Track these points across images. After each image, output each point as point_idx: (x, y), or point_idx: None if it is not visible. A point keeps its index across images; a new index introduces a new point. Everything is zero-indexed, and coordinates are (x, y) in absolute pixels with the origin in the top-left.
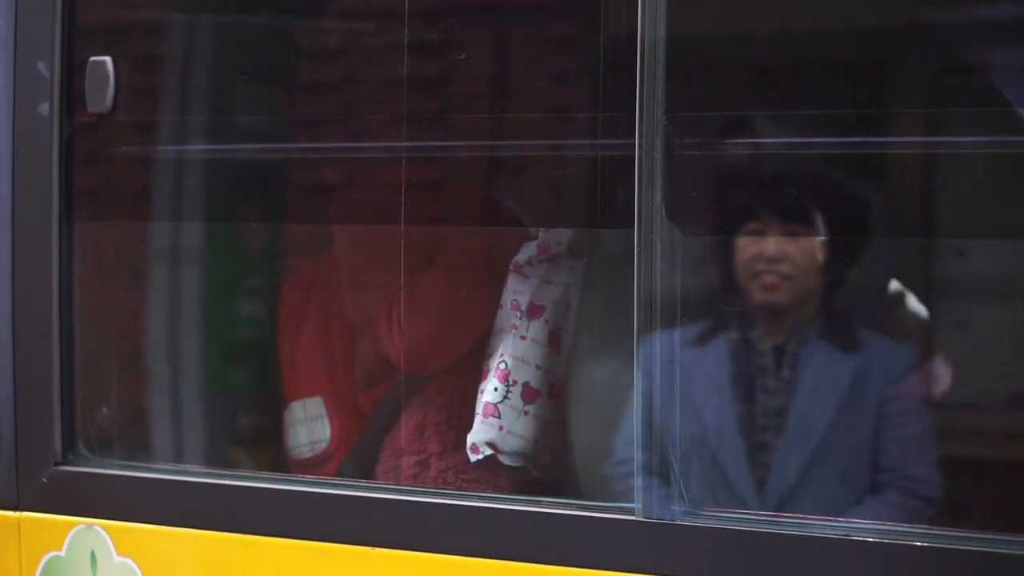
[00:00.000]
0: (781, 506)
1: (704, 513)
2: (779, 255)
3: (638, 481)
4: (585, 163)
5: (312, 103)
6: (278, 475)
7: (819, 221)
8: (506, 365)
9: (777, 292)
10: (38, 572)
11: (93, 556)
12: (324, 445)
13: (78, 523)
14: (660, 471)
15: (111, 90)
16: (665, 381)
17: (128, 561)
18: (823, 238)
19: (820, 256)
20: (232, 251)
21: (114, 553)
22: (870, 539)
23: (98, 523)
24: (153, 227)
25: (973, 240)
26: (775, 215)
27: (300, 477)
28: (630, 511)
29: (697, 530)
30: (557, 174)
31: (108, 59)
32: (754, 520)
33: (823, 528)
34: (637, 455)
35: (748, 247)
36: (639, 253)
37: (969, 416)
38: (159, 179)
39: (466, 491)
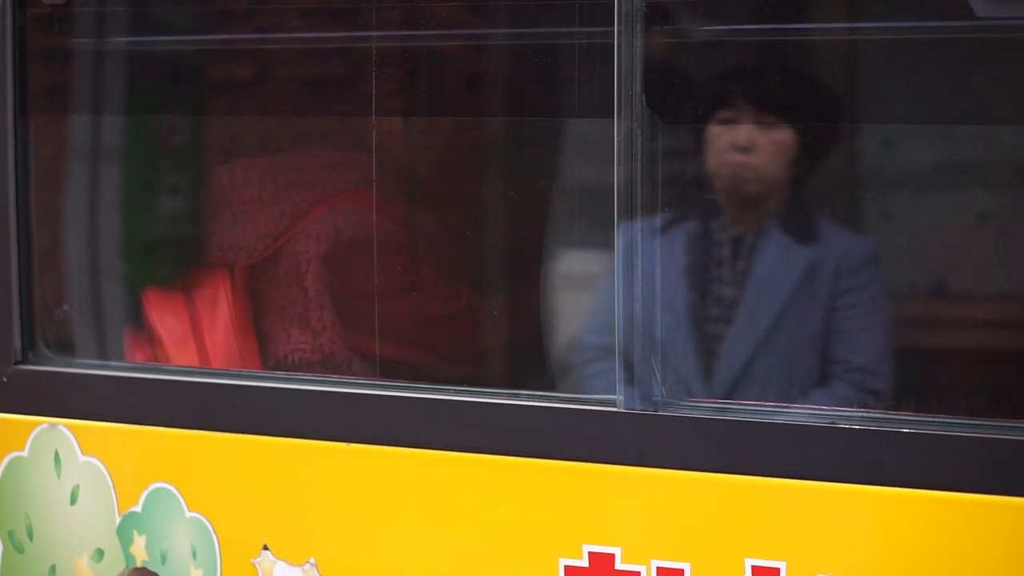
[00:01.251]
0: (731, 396)
1: (686, 403)
2: (749, 144)
3: (619, 372)
4: (564, 51)
5: None
6: (245, 371)
7: (791, 112)
8: None
9: (744, 181)
10: None
11: (57, 456)
12: None
13: (40, 423)
14: (641, 362)
15: None
16: (645, 272)
17: (94, 460)
18: (794, 129)
19: (790, 147)
20: (193, 145)
21: (79, 452)
22: (856, 427)
23: (62, 422)
24: (109, 122)
25: (947, 127)
26: (748, 104)
27: (268, 373)
28: (612, 403)
29: (681, 420)
30: (535, 63)
31: None
32: (738, 409)
33: (808, 416)
34: (618, 346)
35: (720, 135)
36: (619, 142)
37: (923, 309)
38: (116, 73)
39: (448, 386)
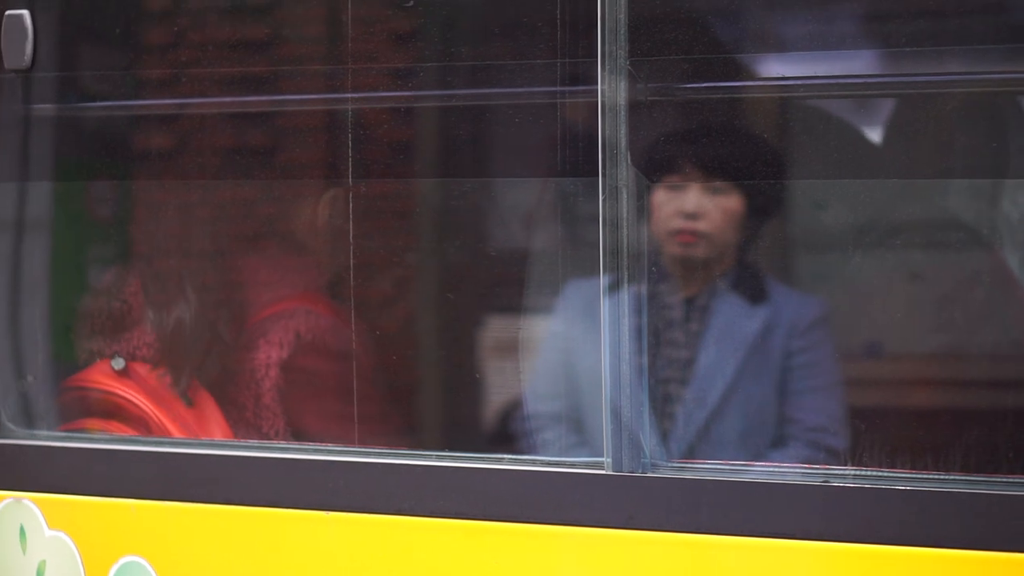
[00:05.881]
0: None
1: (673, 465)
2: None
3: (607, 434)
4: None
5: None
6: (215, 440)
7: (751, 172)
8: None
9: (695, 247)
10: None
11: (22, 530)
12: None
13: (5, 497)
14: (628, 424)
15: (30, 45)
16: (632, 331)
17: (61, 534)
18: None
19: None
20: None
21: (45, 527)
22: (850, 484)
23: (27, 496)
24: (75, 188)
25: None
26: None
27: (239, 442)
28: (599, 465)
29: (669, 482)
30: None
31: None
32: (726, 470)
33: (799, 475)
34: (606, 408)
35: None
36: (604, 200)
37: (876, 368)
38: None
39: (431, 451)
